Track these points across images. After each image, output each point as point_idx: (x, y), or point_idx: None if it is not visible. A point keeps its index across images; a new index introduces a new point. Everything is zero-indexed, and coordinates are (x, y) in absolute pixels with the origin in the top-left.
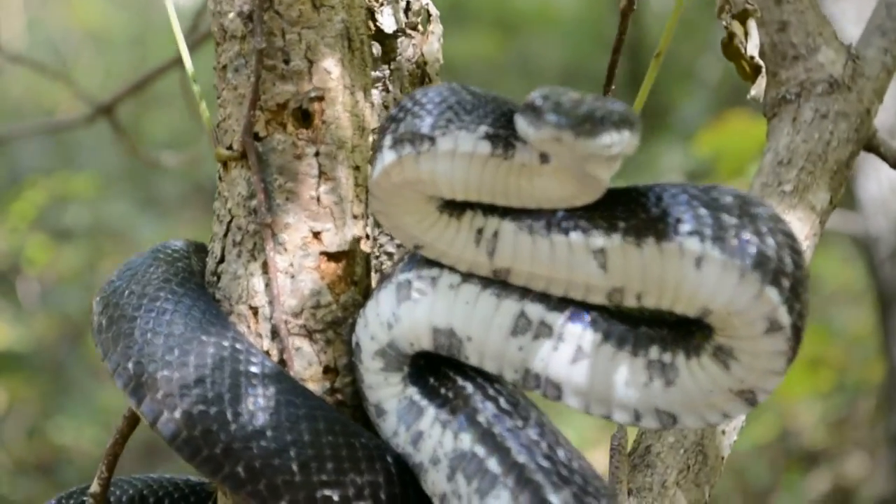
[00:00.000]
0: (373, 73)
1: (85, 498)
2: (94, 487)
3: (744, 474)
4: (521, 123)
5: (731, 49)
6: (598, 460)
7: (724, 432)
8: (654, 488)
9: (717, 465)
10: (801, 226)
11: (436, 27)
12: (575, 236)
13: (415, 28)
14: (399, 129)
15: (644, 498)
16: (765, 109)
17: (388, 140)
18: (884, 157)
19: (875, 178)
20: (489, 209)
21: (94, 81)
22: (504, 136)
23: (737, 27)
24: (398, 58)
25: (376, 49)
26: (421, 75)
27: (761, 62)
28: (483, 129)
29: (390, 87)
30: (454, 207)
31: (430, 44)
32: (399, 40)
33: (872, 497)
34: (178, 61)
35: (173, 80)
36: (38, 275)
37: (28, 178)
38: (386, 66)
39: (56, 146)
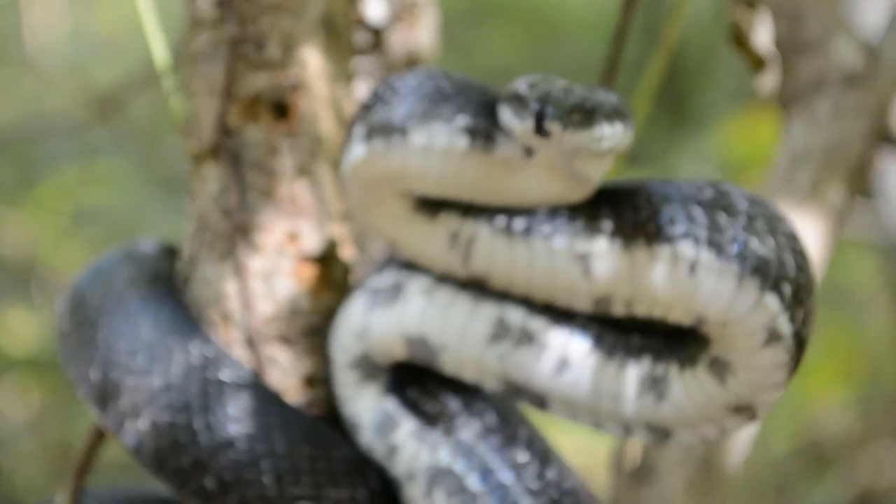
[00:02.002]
0: (360, 64)
1: None
2: (63, 499)
3: (771, 479)
4: (505, 114)
5: (739, 38)
6: (599, 474)
7: (733, 447)
8: None
9: (726, 483)
10: (818, 225)
11: (428, 15)
12: (557, 240)
13: (406, 16)
14: (370, 118)
15: None
16: (779, 103)
17: (358, 131)
18: None
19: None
20: (466, 211)
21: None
22: (484, 128)
23: (745, 16)
24: (387, 47)
25: (364, 38)
26: (410, 66)
27: (769, 53)
28: (461, 120)
29: (378, 79)
30: (429, 207)
31: (422, 32)
32: (388, 29)
33: None
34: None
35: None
36: (58, 278)
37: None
38: (373, 56)
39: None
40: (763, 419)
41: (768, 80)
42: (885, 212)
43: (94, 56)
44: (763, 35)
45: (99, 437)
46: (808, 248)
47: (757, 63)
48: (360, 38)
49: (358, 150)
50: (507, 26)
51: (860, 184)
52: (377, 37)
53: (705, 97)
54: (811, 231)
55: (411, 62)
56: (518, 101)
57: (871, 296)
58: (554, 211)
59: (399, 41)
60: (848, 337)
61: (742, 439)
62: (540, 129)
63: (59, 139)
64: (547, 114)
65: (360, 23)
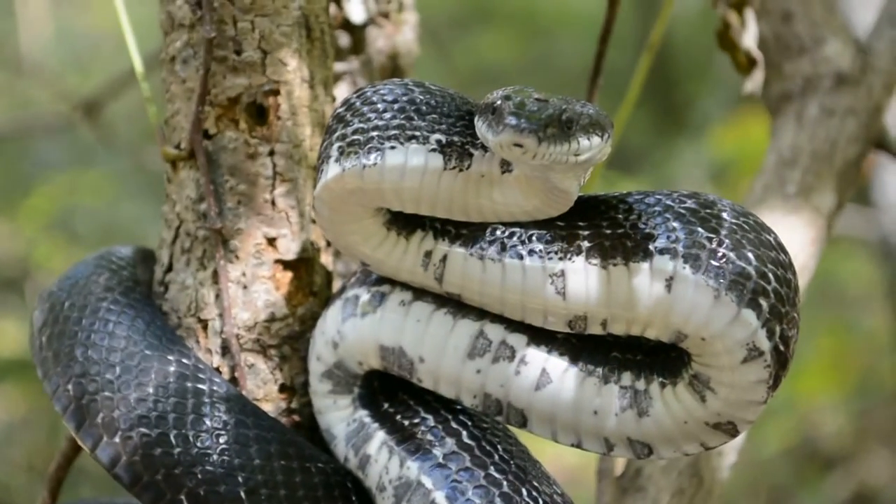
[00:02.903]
0: (340, 66)
1: None
2: None
3: (765, 479)
4: (481, 127)
5: (726, 40)
6: (587, 484)
7: (721, 453)
8: None
9: (713, 489)
10: (805, 229)
11: (409, 16)
12: (531, 259)
13: (386, 17)
14: (345, 135)
15: None
16: (767, 105)
17: (334, 151)
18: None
19: (894, 181)
20: (441, 230)
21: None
22: (460, 144)
23: (733, 17)
24: (368, 49)
25: (345, 40)
26: (393, 68)
27: (758, 54)
28: (436, 138)
29: (359, 81)
30: (403, 225)
31: (403, 34)
32: (368, 30)
33: (895, 501)
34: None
35: None
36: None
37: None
38: (355, 58)
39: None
40: (758, 418)
41: (756, 81)
42: (881, 216)
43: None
44: (750, 36)
45: (74, 451)
46: (796, 250)
47: (744, 64)
48: (341, 40)
49: (333, 169)
50: (501, 28)
51: (850, 186)
52: (357, 38)
53: (703, 105)
54: (799, 234)
55: (392, 63)
56: (493, 112)
57: (866, 298)
58: (529, 228)
59: (380, 43)
60: (842, 338)
61: (730, 446)
62: (515, 143)
63: (52, 147)
64: (521, 127)
65: (341, 25)
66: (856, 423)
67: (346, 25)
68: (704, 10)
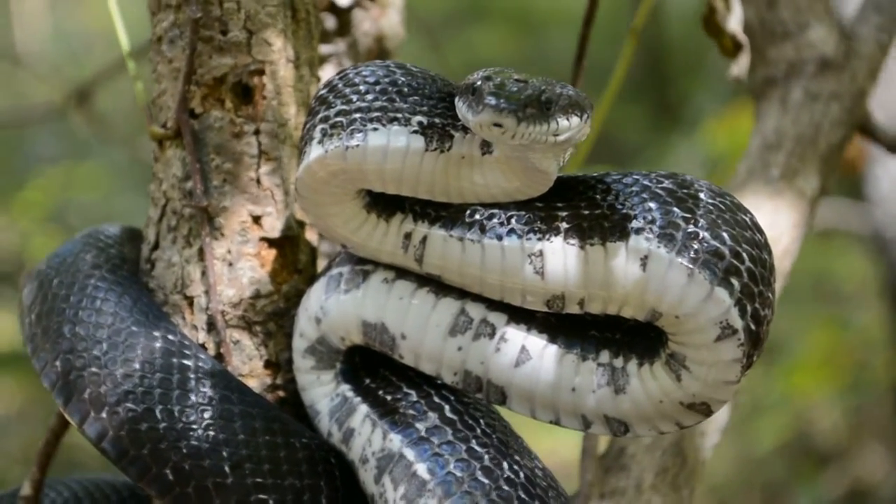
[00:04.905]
0: (327, 48)
1: (18, 501)
2: (26, 490)
3: (760, 475)
4: (461, 107)
5: (711, 24)
6: (572, 462)
7: (703, 433)
8: (628, 492)
9: (697, 468)
10: (789, 212)
11: None
12: (510, 239)
13: (372, 0)
14: (328, 117)
15: (618, 502)
16: (751, 90)
17: (316, 133)
18: (879, 141)
19: (887, 174)
20: (420, 212)
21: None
22: (441, 126)
23: (718, 2)
24: (354, 32)
25: (331, 22)
26: (379, 50)
27: (743, 38)
28: (417, 120)
29: (345, 63)
30: (383, 207)
31: (389, 17)
32: (354, 13)
33: (890, 497)
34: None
35: None
36: None
37: (35, 171)
38: (341, 41)
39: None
40: (752, 414)
41: (741, 66)
42: (874, 210)
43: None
44: (736, 21)
45: (63, 427)
46: (779, 233)
47: (729, 49)
48: (327, 22)
49: (315, 151)
50: (494, 24)
51: (834, 170)
52: (343, 21)
53: (697, 100)
54: (782, 217)
55: (378, 46)
56: (473, 93)
57: (860, 293)
58: (508, 209)
59: (365, 25)
60: (836, 334)
61: (714, 425)
62: (494, 123)
63: (47, 139)
64: (501, 107)
65: (327, 7)
66: (850, 418)
67: (333, 8)
68: (698, 6)
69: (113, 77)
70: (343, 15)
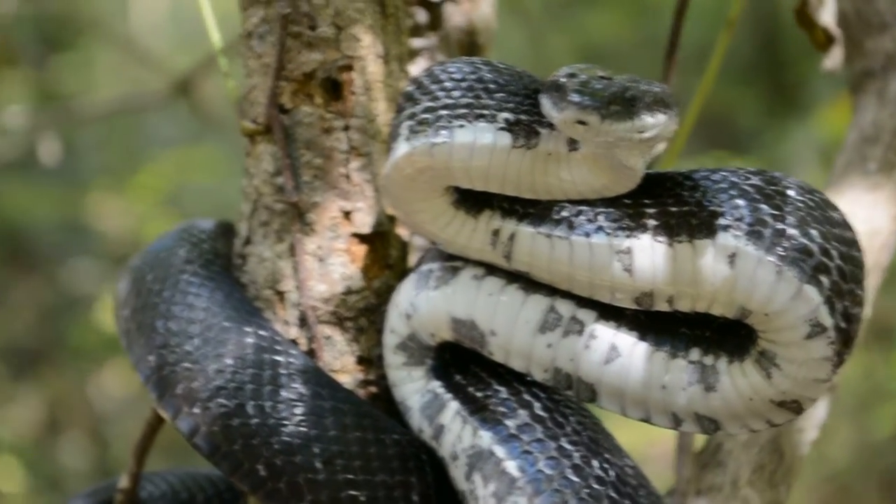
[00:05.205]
0: (418, 42)
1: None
2: (124, 482)
3: (878, 462)
4: (546, 104)
5: (803, 17)
6: (665, 458)
7: (801, 430)
8: (724, 488)
9: (794, 465)
10: (887, 206)
11: None
12: (598, 237)
13: None
14: (415, 114)
15: (714, 498)
16: (849, 83)
17: (403, 129)
18: None
19: None
20: (508, 209)
21: None
22: (527, 123)
23: None
24: (445, 25)
25: (422, 16)
26: (470, 44)
27: (836, 31)
28: (504, 116)
29: (437, 57)
30: (471, 204)
31: (481, 10)
32: (445, 6)
33: None
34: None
35: None
36: None
37: (151, 155)
38: (433, 34)
39: (183, 125)
40: (872, 400)
41: (834, 59)
42: None
43: (194, 37)
44: (828, 13)
45: (159, 420)
46: (877, 227)
47: (821, 41)
48: (419, 16)
49: (402, 147)
50: (609, 7)
51: None
52: (435, 15)
53: (813, 85)
54: (880, 210)
55: (470, 39)
56: (557, 90)
57: None
58: (596, 205)
59: (457, 19)
60: None
61: (812, 420)
62: (578, 120)
63: (165, 124)
64: (585, 104)
65: (418, 2)
66: None
67: (424, 2)
68: None
69: (210, 64)
70: (434, 9)
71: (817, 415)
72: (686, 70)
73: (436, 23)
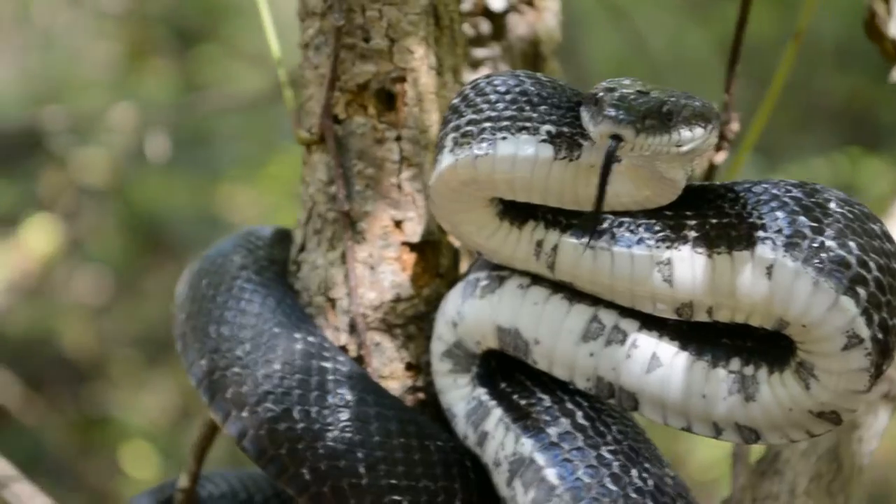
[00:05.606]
0: (481, 52)
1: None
2: (183, 482)
3: None
4: (584, 117)
5: (872, 29)
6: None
7: (861, 439)
8: (781, 497)
9: (853, 475)
10: None
11: (551, 3)
12: (638, 249)
13: (529, 4)
14: (459, 126)
15: None
16: None
17: (448, 141)
18: None
19: None
20: (552, 220)
21: None
22: (569, 135)
23: (880, 6)
24: (509, 36)
25: (486, 26)
26: (534, 55)
27: None
28: (546, 129)
29: (501, 67)
30: (515, 215)
31: (545, 20)
32: (509, 17)
33: None
34: None
35: None
36: None
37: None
38: (496, 44)
39: None
40: None
41: None
42: None
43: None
44: None
45: (214, 425)
46: None
47: (891, 53)
48: (482, 26)
49: (447, 159)
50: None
51: None
52: (498, 25)
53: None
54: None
55: (534, 50)
56: (595, 104)
57: None
58: (637, 217)
59: (520, 29)
60: None
61: (872, 430)
62: (613, 133)
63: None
64: (620, 118)
65: (482, 12)
66: None
67: (487, 12)
68: None
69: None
70: (497, 19)
71: (878, 425)
72: (822, 64)
73: (499, 33)
